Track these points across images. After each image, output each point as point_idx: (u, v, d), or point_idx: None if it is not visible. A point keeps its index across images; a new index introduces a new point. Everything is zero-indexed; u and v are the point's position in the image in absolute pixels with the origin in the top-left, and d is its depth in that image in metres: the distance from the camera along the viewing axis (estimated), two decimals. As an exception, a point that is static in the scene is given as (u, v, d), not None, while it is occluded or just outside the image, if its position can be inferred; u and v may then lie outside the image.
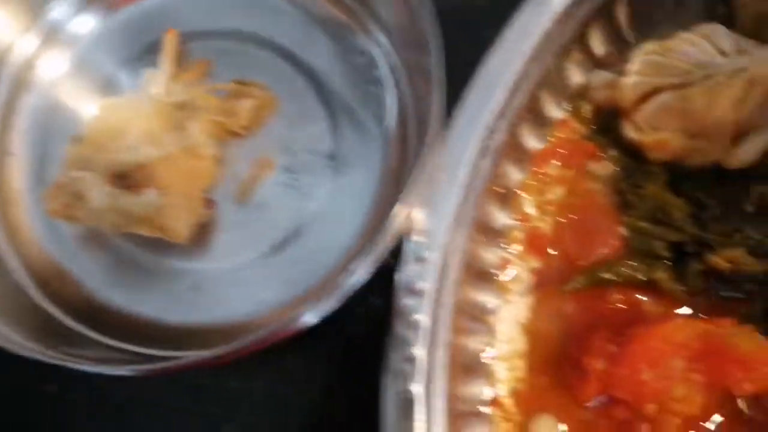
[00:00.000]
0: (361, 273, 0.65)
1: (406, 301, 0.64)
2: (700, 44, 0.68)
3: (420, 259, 0.65)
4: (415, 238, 0.66)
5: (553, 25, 0.70)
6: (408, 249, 0.66)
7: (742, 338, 0.64)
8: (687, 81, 0.67)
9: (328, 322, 0.67)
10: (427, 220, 0.67)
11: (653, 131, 0.70)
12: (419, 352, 0.63)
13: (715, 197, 0.69)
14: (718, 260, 0.67)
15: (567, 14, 0.70)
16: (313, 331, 0.67)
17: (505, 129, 0.72)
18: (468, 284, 0.71)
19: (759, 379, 0.64)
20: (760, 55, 0.65)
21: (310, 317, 0.66)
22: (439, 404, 0.64)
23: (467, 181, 0.69)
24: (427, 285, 0.65)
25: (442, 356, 0.65)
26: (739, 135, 0.67)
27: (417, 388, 0.62)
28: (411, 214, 0.66)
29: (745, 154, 0.66)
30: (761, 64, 0.64)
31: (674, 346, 0.64)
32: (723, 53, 0.67)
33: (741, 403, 0.65)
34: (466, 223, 0.69)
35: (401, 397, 0.62)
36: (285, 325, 0.66)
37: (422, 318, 0.64)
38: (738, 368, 0.64)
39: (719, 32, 0.69)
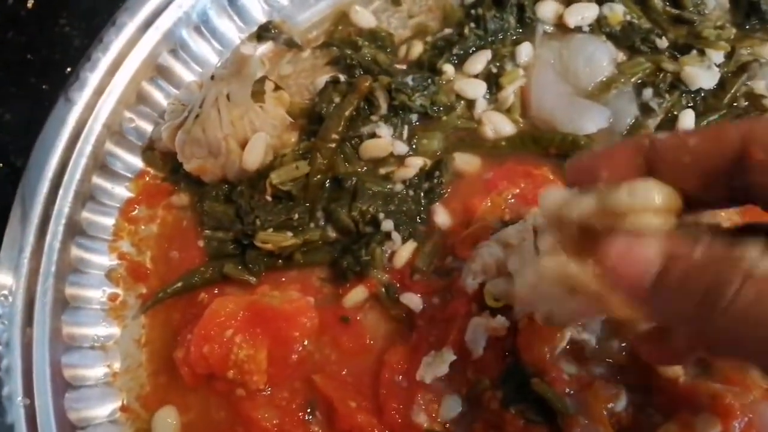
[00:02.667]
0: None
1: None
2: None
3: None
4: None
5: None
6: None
7: (273, 299, 0.82)
8: (186, 117, 0.86)
9: None
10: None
11: (192, 160, 0.88)
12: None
13: (248, 197, 0.88)
14: (260, 243, 0.85)
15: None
16: None
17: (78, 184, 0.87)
18: (77, 324, 0.85)
19: (298, 326, 0.82)
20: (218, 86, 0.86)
21: None
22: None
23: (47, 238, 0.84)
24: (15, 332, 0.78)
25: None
26: (244, 143, 0.86)
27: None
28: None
29: (252, 156, 0.85)
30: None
31: (225, 319, 0.80)
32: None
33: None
34: (53, 271, 0.84)
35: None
36: None
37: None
38: (281, 320, 0.82)
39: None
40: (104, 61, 0.90)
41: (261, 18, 1.02)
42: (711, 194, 0.52)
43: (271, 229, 0.86)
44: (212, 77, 0.83)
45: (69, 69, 0.98)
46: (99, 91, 0.90)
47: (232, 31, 1.01)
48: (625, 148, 0.55)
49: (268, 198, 0.86)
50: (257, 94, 0.85)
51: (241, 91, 0.83)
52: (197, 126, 0.83)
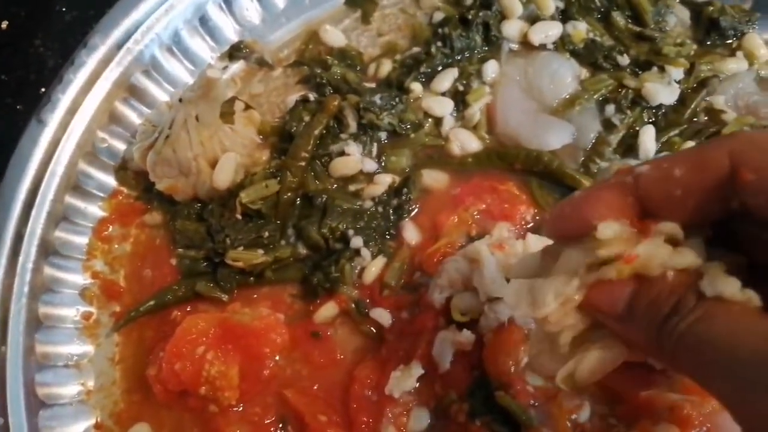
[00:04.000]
0: None
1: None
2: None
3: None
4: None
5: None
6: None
7: (244, 316, 0.83)
8: (157, 138, 0.88)
9: None
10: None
11: (164, 180, 0.90)
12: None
13: (219, 215, 0.89)
14: (230, 261, 0.86)
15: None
16: None
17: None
18: (50, 342, 0.86)
19: (268, 342, 0.83)
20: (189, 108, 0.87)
21: None
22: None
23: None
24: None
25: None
26: (214, 163, 0.88)
27: None
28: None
29: (222, 176, 0.87)
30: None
31: (196, 337, 0.81)
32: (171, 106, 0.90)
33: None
34: (26, 291, 0.85)
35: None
36: None
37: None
38: (251, 337, 0.83)
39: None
40: (76, 82, 0.91)
41: (233, 37, 1.04)
42: (715, 225, 0.50)
43: (241, 248, 0.87)
44: (180, 100, 0.85)
45: (44, 89, 0.99)
46: (71, 112, 0.91)
47: (204, 50, 1.02)
48: (609, 190, 0.51)
49: (239, 216, 0.88)
50: (226, 115, 0.87)
51: (210, 113, 0.84)
52: (167, 146, 0.85)
